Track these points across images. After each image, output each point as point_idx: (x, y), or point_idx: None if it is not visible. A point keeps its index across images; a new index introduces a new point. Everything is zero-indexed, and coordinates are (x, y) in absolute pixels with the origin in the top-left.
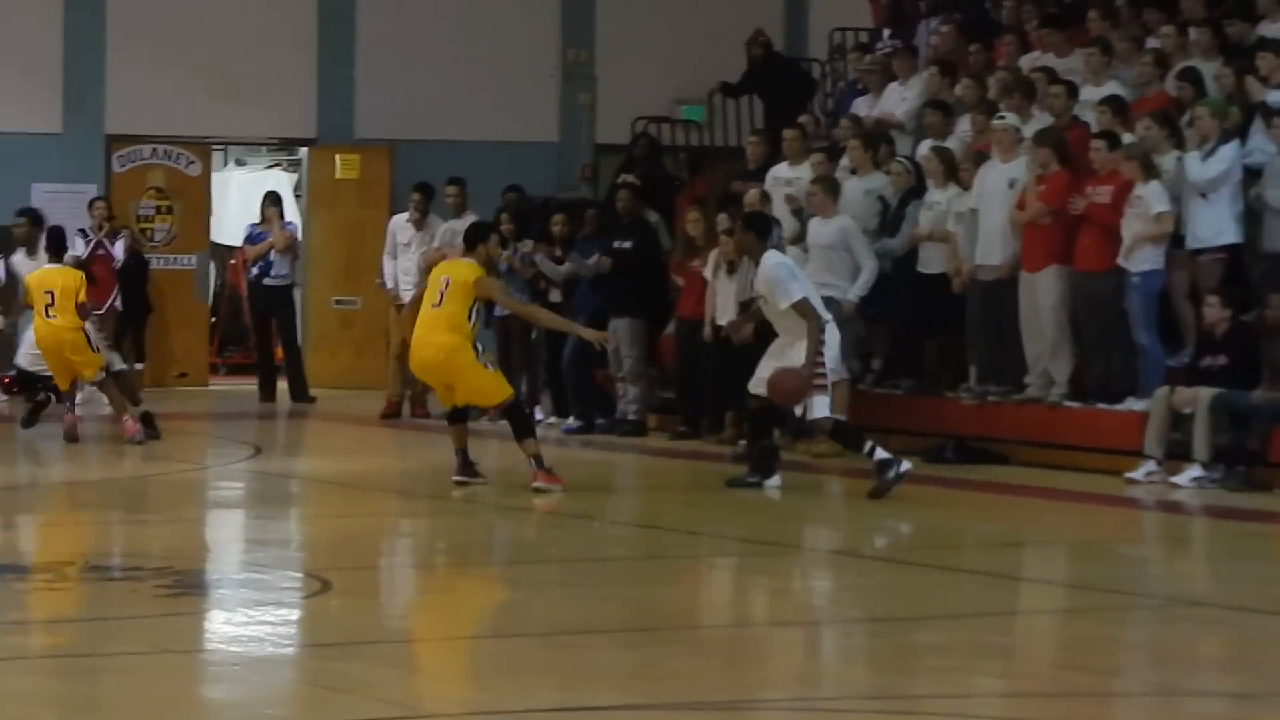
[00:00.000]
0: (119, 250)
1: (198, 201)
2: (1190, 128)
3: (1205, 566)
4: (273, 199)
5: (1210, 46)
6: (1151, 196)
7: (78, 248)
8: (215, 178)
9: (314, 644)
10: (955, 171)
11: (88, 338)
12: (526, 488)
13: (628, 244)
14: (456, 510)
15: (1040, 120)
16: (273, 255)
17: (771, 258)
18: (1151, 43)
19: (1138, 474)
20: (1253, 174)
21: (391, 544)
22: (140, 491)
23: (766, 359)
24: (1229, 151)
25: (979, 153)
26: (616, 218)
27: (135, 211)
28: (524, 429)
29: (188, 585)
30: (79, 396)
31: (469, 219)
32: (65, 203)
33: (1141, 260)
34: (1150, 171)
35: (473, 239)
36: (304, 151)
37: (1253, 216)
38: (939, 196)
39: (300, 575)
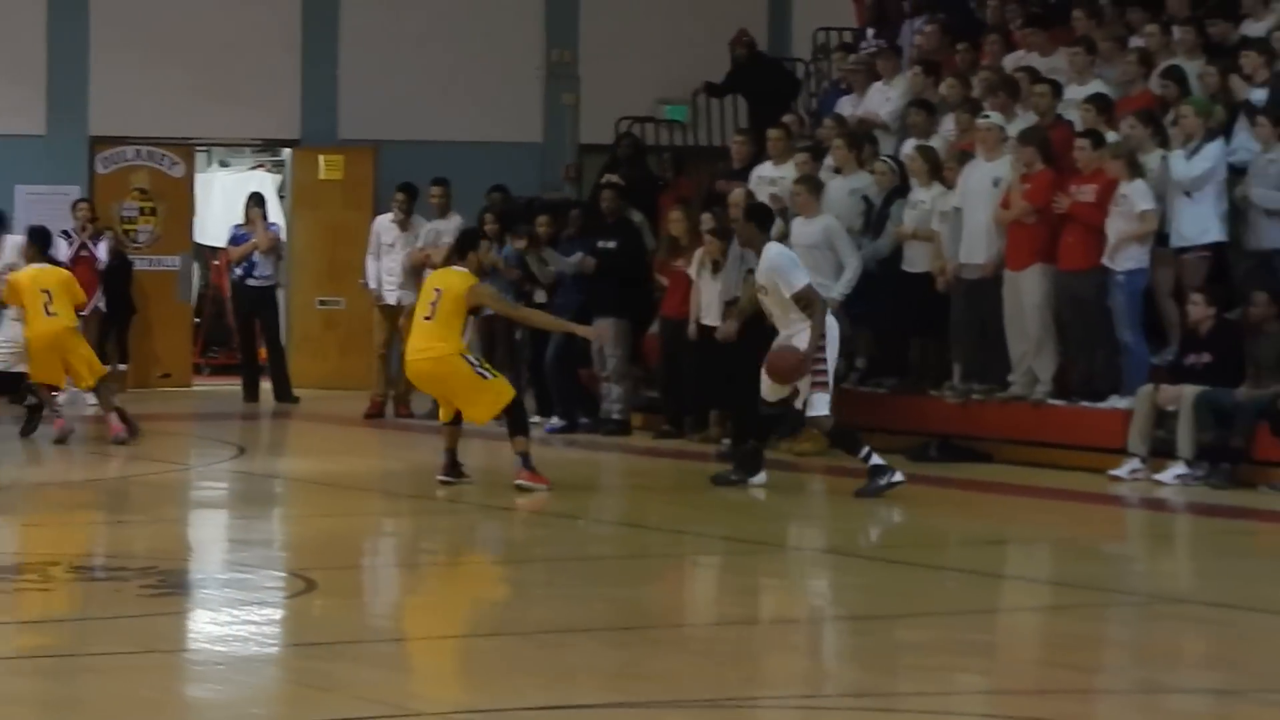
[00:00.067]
0: (102, 251)
1: (181, 203)
2: (1175, 126)
3: (1189, 564)
4: (256, 200)
5: (1194, 45)
6: (1136, 195)
7: (61, 249)
8: (199, 179)
9: (299, 643)
10: (939, 171)
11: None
12: (511, 486)
13: (612, 244)
14: (441, 510)
15: (1024, 119)
16: (256, 256)
17: (774, 248)
18: (1135, 42)
19: (1122, 472)
20: (1237, 172)
21: (376, 544)
22: (124, 492)
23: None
24: (1213, 150)
25: (963, 152)
26: (601, 218)
27: (119, 213)
28: (519, 426)
29: (172, 585)
30: (62, 398)
31: (453, 219)
32: (49, 204)
33: (1126, 259)
34: (1135, 170)
35: (463, 247)
36: (287, 152)
37: (1237, 215)
38: (923, 196)
39: (284, 575)
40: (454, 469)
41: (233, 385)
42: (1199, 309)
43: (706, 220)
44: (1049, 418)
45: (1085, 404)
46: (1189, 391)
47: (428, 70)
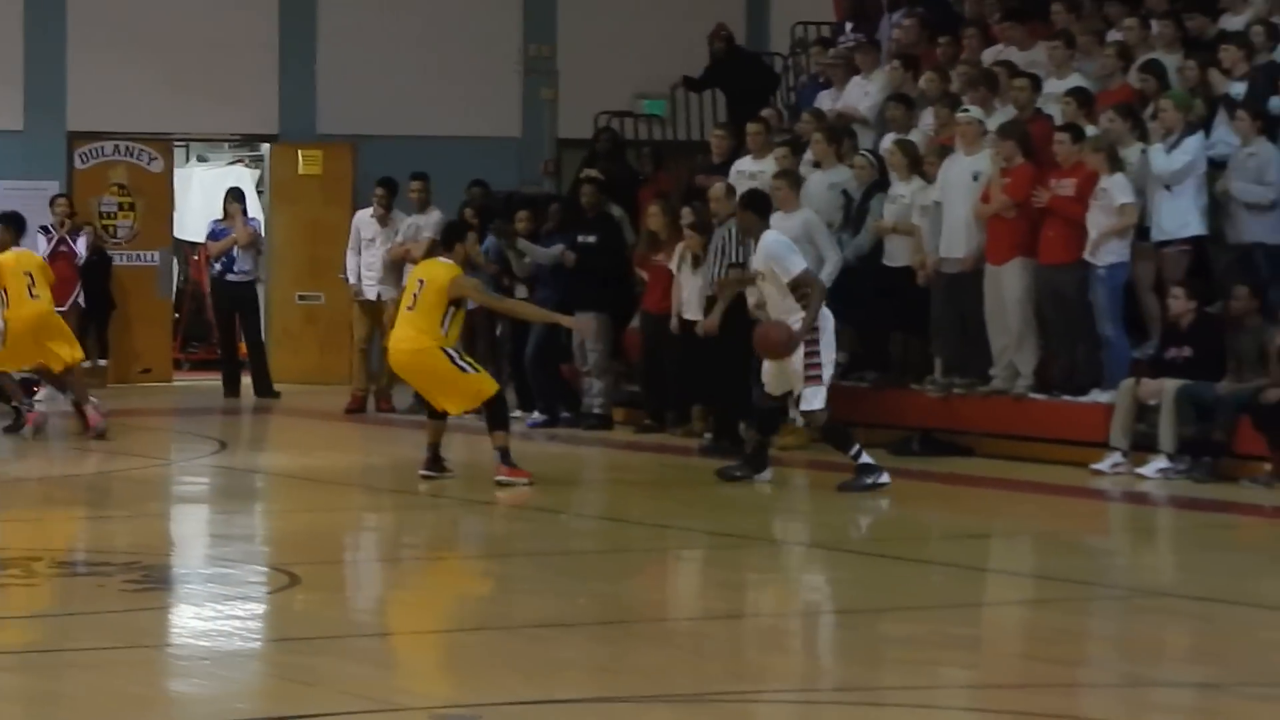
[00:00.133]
0: (81, 247)
1: (160, 198)
2: (1154, 120)
3: (1171, 558)
4: (235, 195)
5: (1173, 39)
6: (1116, 189)
7: (39, 245)
8: (177, 174)
9: (282, 638)
10: (919, 165)
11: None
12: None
13: (591, 238)
14: (423, 504)
15: (1003, 113)
16: (236, 251)
17: (770, 234)
18: (1114, 35)
19: (1103, 465)
20: (1217, 166)
21: (358, 539)
22: (105, 487)
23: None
24: (1193, 144)
25: (943, 146)
26: (580, 212)
27: (97, 208)
28: (499, 421)
29: (155, 580)
30: (41, 393)
31: (433, 214)
32: (27, 200)
33: (1106, 252)
34: (1115, 164)
35: (449, 238)
36: (266, 148)
37: (1217, 209)
38: (903, 190)
39: (267, 570)
40: (436, 464)
41: (213, 380)
42: (1180, 303)
43: (686, 215)
44: (1030, 412)
45: (1066, 398)
46: (1170, 385)
47: (406, 65)
